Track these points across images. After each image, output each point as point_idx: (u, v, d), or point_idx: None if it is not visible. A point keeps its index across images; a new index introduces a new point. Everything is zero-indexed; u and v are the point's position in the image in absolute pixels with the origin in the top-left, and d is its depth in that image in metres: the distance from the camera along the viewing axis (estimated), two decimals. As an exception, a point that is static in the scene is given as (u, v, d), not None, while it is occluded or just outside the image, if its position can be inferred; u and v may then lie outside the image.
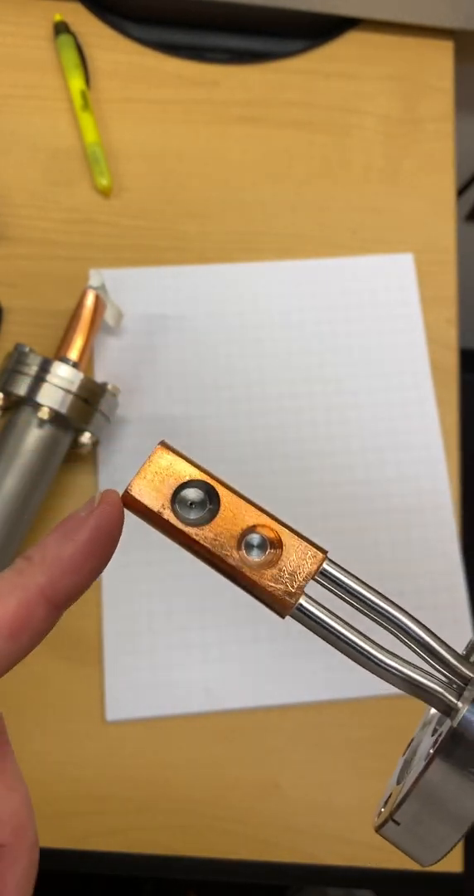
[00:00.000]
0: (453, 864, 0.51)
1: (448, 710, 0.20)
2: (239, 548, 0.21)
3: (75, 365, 0.52)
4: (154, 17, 0.65)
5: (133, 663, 0.52)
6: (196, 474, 0.22)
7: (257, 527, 0.21)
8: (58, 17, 0.63)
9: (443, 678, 0.21)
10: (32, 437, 0.50)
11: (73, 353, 0.52)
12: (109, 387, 0.53)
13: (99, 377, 0.56)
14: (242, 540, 0.21)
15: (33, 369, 0.50)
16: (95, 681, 0.52)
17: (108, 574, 0.46)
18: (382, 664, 0.20)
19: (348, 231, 0.62)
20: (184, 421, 0.56)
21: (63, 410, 0.50)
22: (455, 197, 0.64)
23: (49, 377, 0.50)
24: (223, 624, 0.53)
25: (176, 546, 0.22)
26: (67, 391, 0.50)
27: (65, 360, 0.52)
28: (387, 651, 0.21)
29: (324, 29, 0.65)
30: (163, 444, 0.22)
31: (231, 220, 0.61)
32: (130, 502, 0.21)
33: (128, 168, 0.61)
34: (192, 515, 0.22)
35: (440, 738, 0.20)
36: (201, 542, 0.21)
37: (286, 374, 0.58)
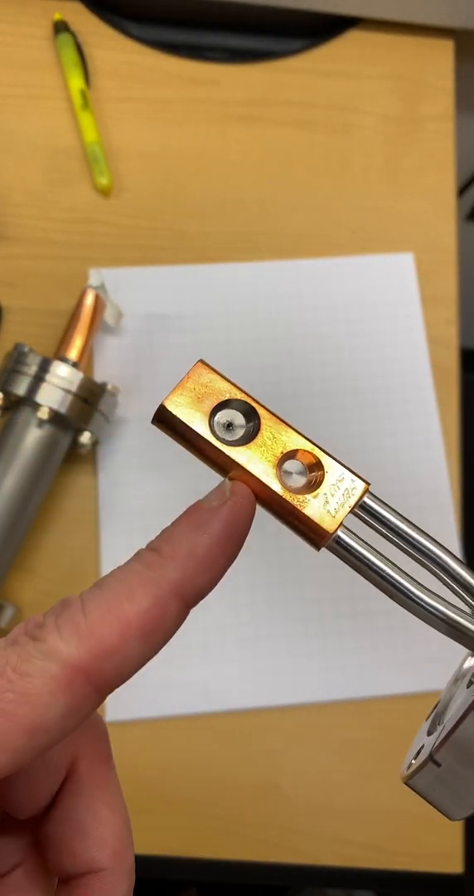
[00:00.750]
0: (453, 864, 0.51)
1: None
2: (278, 472, 0.20)
3: (75, 365, 0.52)
4: (154, 16, 0.65)
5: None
6: (236, 393, 0.21)
7: (298, 452, 0.20)
8: (57, 16, 0.63)
9: None
10: (32, 436, 0.50)
11: (73, 353, 0.52)
12: (109, 387, 0.53)
13: (98, 377, 0.56)
14: (281, 464, 0.20)
15: (33, 369, 0.50)
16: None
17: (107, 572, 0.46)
18: (422, 603, 0.19)
19: (348, 231, 0.62)
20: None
21: (63, 410, 0.50)
22: (455, 196, 0.63)
23: (48, 377, 0.50)
24: (223, 624, 0.53)
25: None
26: (67, 391, 0.50)
27: (64, 359, 0.52)
28: (429, 590, 0.19)
29: (324, 28, 0.65)
30: (203, 362, 0.21)
31: (231, 220, 0.61)
32: (166, 418, 0.20)
33: (128, 167, 0.61)
34: (230, 436, 0.20)
35: None
36: (238, 462, 0.20)
37: (286, 374, 0.58)
